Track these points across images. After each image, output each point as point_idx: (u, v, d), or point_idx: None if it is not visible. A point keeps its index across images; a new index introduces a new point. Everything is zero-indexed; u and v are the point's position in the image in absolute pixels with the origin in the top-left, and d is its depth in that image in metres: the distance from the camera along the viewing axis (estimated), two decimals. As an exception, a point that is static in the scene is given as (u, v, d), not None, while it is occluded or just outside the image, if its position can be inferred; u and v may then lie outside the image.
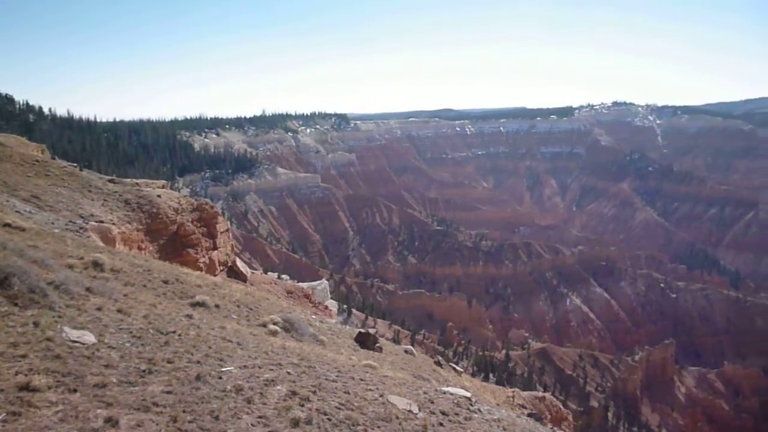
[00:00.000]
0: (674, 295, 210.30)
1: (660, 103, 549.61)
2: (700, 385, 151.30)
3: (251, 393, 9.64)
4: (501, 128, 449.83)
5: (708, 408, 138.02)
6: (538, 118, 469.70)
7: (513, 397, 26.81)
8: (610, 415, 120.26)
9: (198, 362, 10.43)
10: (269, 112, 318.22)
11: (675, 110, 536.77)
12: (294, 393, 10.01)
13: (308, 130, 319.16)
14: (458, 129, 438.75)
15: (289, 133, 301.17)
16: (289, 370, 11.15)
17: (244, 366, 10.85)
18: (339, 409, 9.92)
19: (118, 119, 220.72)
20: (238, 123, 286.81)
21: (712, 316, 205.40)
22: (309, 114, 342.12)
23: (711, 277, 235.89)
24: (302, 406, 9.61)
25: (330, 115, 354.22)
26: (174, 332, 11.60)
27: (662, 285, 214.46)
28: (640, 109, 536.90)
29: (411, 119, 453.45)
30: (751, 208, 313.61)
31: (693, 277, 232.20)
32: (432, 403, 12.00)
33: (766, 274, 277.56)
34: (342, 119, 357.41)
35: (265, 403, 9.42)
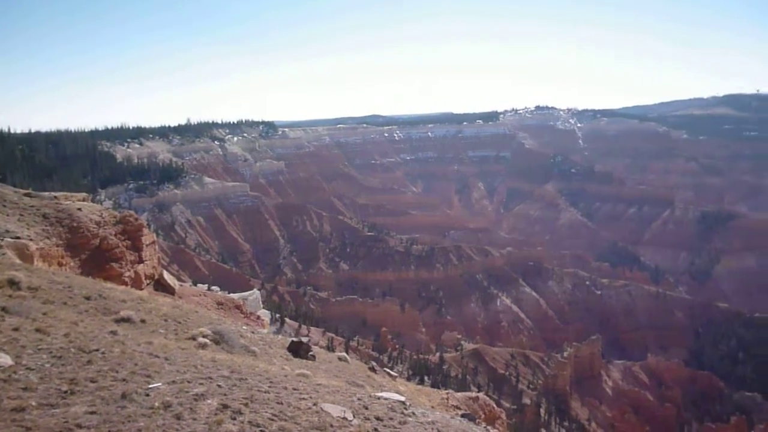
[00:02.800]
0: (599, 292, 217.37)
1: (581, 107, 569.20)
2: (625, 378, 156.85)
3: (180, 409, 9.38)
4: (429, 133, 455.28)
5: (634, 399, 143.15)
6: (465, 123, 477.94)
7: (447, 398, 27.06)
8: (542, 411, 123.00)
9: (123, 380, 10.08)
10: (194, 120, 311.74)
11: (595, 114, 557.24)
12: (225, 406, 9.81)
13: (235, 139, 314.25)
14: (387, 135, 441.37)
15: (215, 142, 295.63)
16: (219, 383, 10.92)
17: (173, 381, 10.56)
18: (272, 420, 9.77)
19: (33, 130, 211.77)
20: (163, 132, 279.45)
21: (635, 311, 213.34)
22: (236, 122, 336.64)
23: (633, 273, 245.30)
24: (234, 419, 9.42)
25: (257, 123, 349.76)
26: (97, 350, 11.18)
27: (588, 283, 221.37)
28: (562, 113, 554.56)
29: (339, 126, 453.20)
30: (667, 207, 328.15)
31: (616, 274, 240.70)
32: (366, 409, 11.98)
33: (684, 268, 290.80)
34: (270, 127, 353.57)
35: (195, 419, 9.18)
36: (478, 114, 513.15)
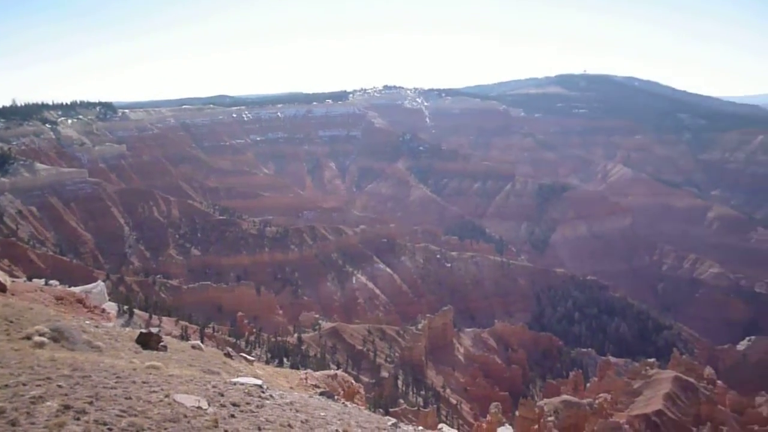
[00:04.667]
0: (449, 265, 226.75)
1: (426, 87, 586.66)
2: (476, 344, 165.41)
3: (16, 414, 8.68)
4: (279, 113, 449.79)
5: (484, 364, 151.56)
6: (315, 103, 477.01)
7: (306, 378, 27.13)
8: (399, 382, 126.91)
9: (-53, 388, 9.17)
10: (21, 102, 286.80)
11: (440, 93, 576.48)
12: (67, 407, 9.20)
13: (69, 121, 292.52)
14: (235, 116, 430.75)
15: (47, 125, 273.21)
16: (60, 383, 10.22)
17: (6, 385, 9.75)
18: (120, 416, 9.30)
19: None
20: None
21: (483, 280, 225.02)
22: (69, 103, 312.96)
23: (479, 245, 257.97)
24: (78, 419, 8.86)
25: (94, 104, 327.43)
26: None
27: (438, 256, 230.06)
28: (409, 92, 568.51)
29: (185, 107, 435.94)
30: (509, 181, 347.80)
31: (464, 246, 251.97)
32: (222, 396, 11.75)
33: (525, 238, 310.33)
34: (108, 108, 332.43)
35: (33, 423, 8.54)
36: (328, 94, 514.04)
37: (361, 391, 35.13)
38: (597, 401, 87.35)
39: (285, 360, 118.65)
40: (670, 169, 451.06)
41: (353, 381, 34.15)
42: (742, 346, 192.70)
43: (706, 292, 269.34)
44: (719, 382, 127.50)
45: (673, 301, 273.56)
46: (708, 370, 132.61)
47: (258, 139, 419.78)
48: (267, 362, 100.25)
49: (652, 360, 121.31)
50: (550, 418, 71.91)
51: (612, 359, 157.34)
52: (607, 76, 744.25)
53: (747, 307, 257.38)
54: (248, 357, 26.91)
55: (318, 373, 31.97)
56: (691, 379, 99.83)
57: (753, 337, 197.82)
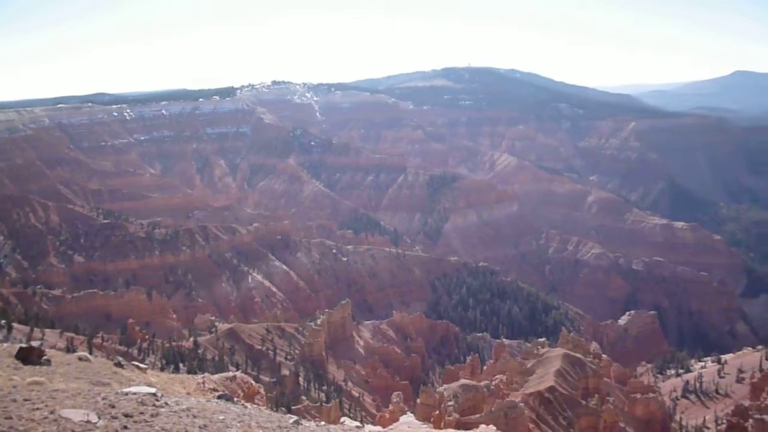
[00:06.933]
0: (345, 259, 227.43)
1: (315, 82, 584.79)
2: (375, 336, 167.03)
3: None
4: (163, 111, 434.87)
5: (384, 355, 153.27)
6: (201, 100, 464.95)
7: (203, 382, 26.42)
8: (301, 379, 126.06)
9: None
10: None
11: (329, 87, 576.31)
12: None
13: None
14: (116, 114, 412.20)
15: None
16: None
17: None
18: (0, 438, 8.68)
19: None
20: None
21: (379, 272, 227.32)
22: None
23: (374, 238, 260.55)
24: (-50, 445, 8.19)
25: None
26: None
27: (334, 251, 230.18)
28: (298, 87, 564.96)
29: (60, 105, 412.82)
30: (400, 173, 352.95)
31: (359, 240, 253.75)
32: (113, 407, 11.21)
33: (418, 229, 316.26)
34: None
35: None
36: (215, 90, 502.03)
37: (262, 391, 34.64)
38: (493, 383, 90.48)
39: (181, 365, 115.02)
40: (552, 156, 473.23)
41: (253, 382, 33.61)
42: (623, 320, 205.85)
43: (588, 272, 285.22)
44: (604, 356, 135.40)
45: (560, 282, 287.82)
46: (594, 346, 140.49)
47: (142, 138, 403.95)
48: (162, 369, 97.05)
49: (542, 339, 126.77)
50: (450, 403, 73.77)
51: (506, 341, 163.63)
52: (490, 68, 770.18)
53: (626, 284, 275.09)
54: (141, 365, 25.90)
55: (216, 376, 31.21)
56: (579, 355, 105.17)
57: (632, 312, 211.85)
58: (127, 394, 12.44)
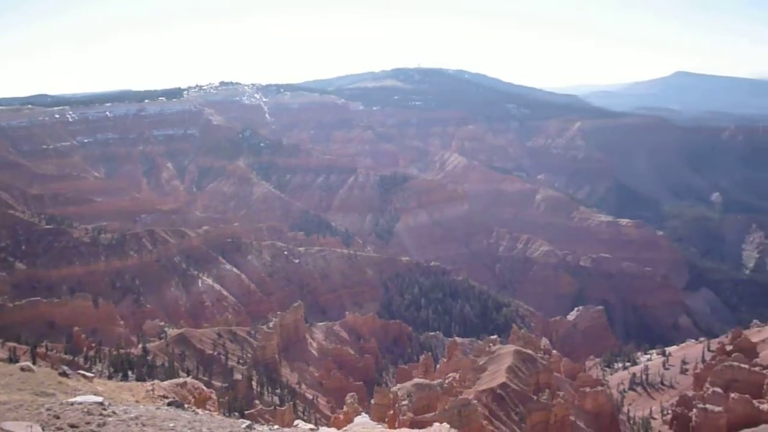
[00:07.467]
0: (297, 261, 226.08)
1: (264, 82, 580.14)
2: (328, 338, 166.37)
3: None
4: (108, 113, 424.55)
5: (337, 356, 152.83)
6: (147, 101, 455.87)
7: (153, 389, 25.87)
8: (254, 383, 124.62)
9: None
10: None
11: (279, 88, 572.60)
12: None
13: None
14: (58, 116, 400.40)
15: None
16: None
17: None
18: (-64, 455, 8.31)
19: None
20: None
21: (331, 274, 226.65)
22: None
23: (326, 239, 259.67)
24: None
25: None
26: None
27: (285, 253, 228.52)
28: (247, 88, 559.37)
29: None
30: (351, 174, 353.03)
31: (311, 241, 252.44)
32: (58, 418, 10.87)
33: (370, 229, 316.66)
34: None
35: None
36: (161, 91, 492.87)
37: (214, 396, 34.11)
38: (447, 381, 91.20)
39: (130, 373, 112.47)
40: (501, 156, 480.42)
41: (204, 387, 33.05)
42: (571, 316, 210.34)
43: (538, 269, 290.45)
44: (554, 351, 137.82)
45: (510, 280, 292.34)
46: (544, 341, 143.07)
47: (85, 140, 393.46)
48: (109, 377, 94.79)
49: (494, 337, 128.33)
50: (404, 402, 74.04)
51: (458, 340, 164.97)
52: (439, 69, 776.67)
53: (574, 280, 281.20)
54: (87, 374, 25.22)
55: (166, 382, 30.60)
56: (530, 351, 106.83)
57: (580, 308, 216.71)
58: (72, 404, 12.08)
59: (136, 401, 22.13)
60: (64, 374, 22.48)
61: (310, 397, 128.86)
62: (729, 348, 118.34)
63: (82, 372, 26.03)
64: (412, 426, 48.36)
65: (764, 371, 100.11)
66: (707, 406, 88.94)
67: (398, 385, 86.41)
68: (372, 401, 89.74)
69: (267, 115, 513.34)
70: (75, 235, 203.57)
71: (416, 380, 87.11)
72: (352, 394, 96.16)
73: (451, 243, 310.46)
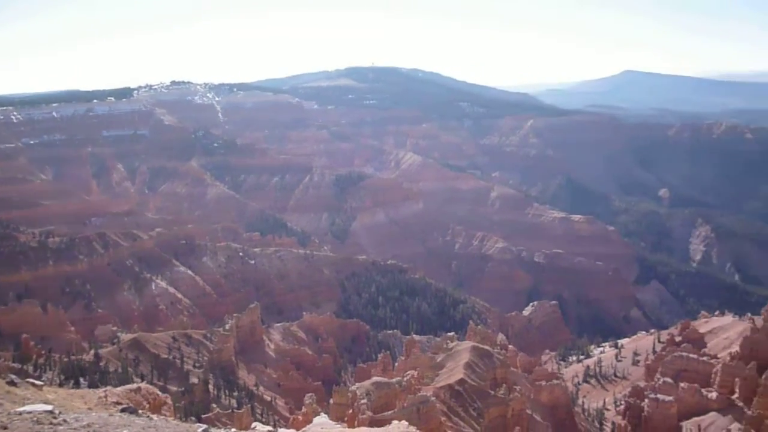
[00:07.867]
0: (252, 261, 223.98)
1: (217, 82, 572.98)
2: (286, 338, 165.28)
3: None
4: (54, 113, 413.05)
5: (296, 356, 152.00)
6: (95, 101, 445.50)
7: (106, 396, 25.29)
8: (211, 387, 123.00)
9: None
10: None
11: (232, 87, 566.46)
12: None
13: None
14: (2, 117, 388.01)
15: None
16: None
17: None
18: None
19: None
20: None
21: (288, 274, 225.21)
22: None
23: (282, 239, 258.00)
24: None
25: None
26: None
27: (241, 254, 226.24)
28: (199, 87, 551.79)
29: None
30: (306, 173, 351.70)
31: (267, 242, 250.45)
32: (6, 429, 10.53)
33: (327, 229, 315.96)
34: None
35: None
36: (110, 91, 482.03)
37: (169, 401, 33.53)
38: (405, 379, 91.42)
39: (82, 380, 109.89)
40: (455, 154, 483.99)
41: (159, 392, 32.48)
42: (527, 311, 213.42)
43: (494, 266, 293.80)
44: (510, 346, 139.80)
45: (466, 277, 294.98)
46: (500, 337, 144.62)
47: (31, 142, 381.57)
48: (60, 385, 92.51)
49: (451, 333, 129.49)
50: (363, 401, 73.98)
51: (416, 337, 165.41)
52: (393, 68, 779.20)
53: (529, 276, 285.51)
54: (36, 382, 24.51)
55: (119, 388, 29.95)
56: (487, 347, 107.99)
57: (535, 303, 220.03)
58: (21, 413, 11.71)
59: (89, 409, 21.60)
60: (12, 383, 21.79)
61: (269, 398, 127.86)
62: (678, 339, 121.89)
63: (31, 380, 25.29)
64: (371, 425, 48.34)
65: (712, 361, 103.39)
66: (658, 396, 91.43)
67: (357, 384, 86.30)
68: (331, 401, 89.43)
69: (220, 115, 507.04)
70: (22, 240, 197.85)
71: (375, 378, 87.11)
72: (310, 394, 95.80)
73: (407, 241, 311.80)
